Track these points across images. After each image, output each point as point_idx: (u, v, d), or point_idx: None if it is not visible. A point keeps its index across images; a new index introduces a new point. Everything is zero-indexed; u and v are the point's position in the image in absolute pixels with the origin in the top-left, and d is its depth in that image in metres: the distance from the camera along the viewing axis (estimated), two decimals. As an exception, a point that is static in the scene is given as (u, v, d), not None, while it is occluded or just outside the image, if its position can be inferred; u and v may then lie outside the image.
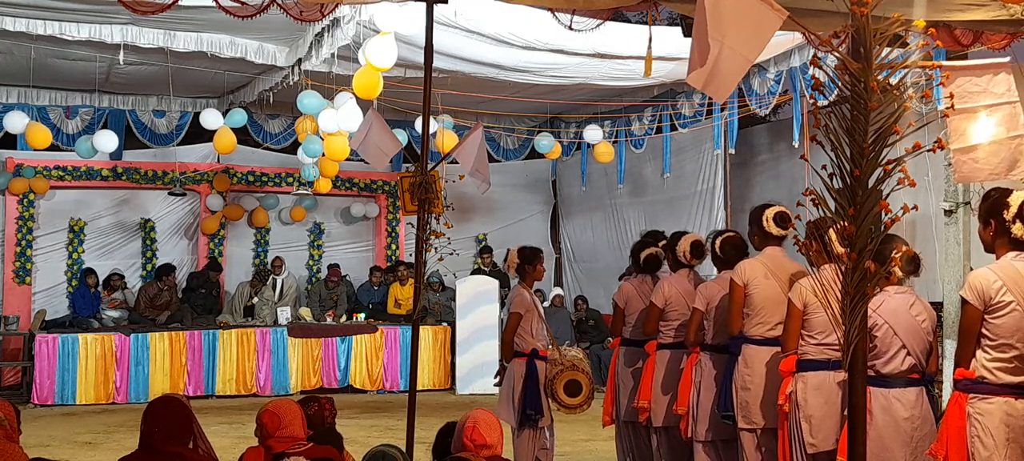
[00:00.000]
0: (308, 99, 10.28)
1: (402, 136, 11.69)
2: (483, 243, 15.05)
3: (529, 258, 6.69)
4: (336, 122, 9.92)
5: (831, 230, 4.61)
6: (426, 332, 12.66)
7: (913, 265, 4.61)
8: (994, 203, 4.07)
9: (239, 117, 11.75)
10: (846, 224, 3.07)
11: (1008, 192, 4.07)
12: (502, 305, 12.01)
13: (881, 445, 4.51)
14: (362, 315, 13.17)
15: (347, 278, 13.89)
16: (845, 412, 4.51)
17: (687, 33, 5.48)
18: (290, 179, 13.75)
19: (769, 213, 5.51)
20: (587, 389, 6.59)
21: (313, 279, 14.21)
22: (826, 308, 3.24)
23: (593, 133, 12.68)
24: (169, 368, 11.77)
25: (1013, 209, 3.98)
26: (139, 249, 13.57)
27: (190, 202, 13.71)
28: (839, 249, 4.26)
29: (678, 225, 9.85)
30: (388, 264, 14.22)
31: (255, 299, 13.02)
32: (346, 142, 10.24)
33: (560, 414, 6.63)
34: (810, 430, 4.91)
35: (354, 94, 9.31)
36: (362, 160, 9.23)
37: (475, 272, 13.91)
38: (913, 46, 3.56)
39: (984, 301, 3.96)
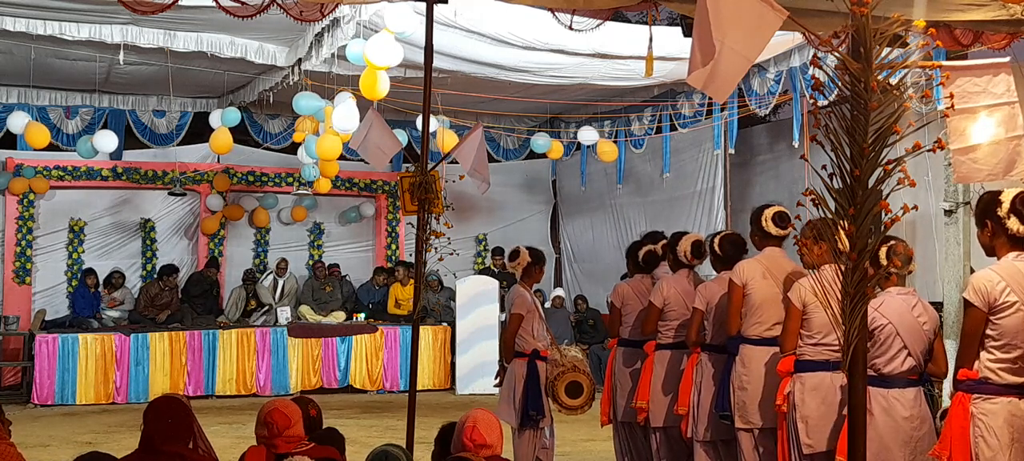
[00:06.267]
0: (304, 100, 10.28)
1: (402, 136, 11.69)
2: (484, 243, 15.05)
3: (538, 259, 6.72)
4: (335, 122, 9.92)
5: (808, 225, 4.65)
6: (426, 332, 12.66)
7: (905, 259, 4.60)
8: (987, 204, 4.07)
9: (233, 115, 11.69)
10: (835, 220, 3.08)
11: (1000, 191, 4.07)
12: (502, 305, 12.00)
13: (881, 445, 4.51)
14: (362, 315, 13.17)
15: (347, 278, 13.88)
16: (843, 412, 4.51)
17: (687, 33, 5.49)
18: (290, 179, 13.75)
19: (768, 213, 5.51)
20: (588, 390, 6.60)
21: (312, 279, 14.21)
22: (826, 308, 3.24)
23: (588, 134, 12.67)
24: (169, 368, 11.76)
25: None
26: (139, 249, 13.56)
27: (190, 202, 13.71)
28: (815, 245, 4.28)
29: (678, 225, 9.85)
30: (388, 264, 14.21)
31: (253, 301, 13.02)
32: (337, 142, 10.23)
33: (560, 415, 6.64)
34: (806, 431, 4.90)
35: (354, 94, 9.30)
36: (361, 160, 9.22)
37: (484, 272, 13.90)
38: (913, 46, 3.56)
39: (988, 303, 3.96)
